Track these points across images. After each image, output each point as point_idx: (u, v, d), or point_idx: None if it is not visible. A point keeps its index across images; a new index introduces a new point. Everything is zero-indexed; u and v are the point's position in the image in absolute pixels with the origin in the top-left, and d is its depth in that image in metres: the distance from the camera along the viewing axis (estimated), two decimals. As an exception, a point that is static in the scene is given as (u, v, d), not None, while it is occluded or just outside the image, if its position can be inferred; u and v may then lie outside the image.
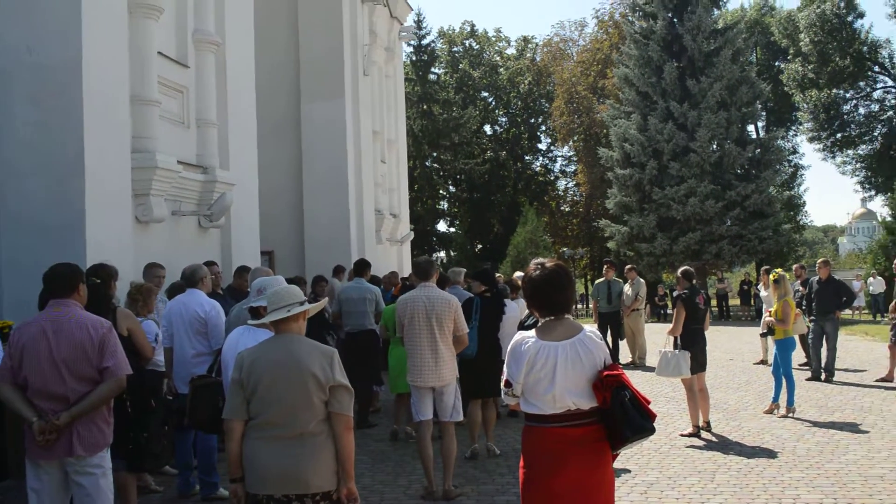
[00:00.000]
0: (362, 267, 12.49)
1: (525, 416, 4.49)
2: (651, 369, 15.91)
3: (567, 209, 56.29)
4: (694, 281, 10.99)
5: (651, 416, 4.39)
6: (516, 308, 11.42)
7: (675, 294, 11.53)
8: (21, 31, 9.51)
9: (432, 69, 51.25)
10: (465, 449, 9.34)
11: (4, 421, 7.12)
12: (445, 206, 55.74)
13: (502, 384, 4.50)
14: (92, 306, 5.77)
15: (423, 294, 8.05)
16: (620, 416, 4.27)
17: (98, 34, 9.71)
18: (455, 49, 57.98)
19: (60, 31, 9.46)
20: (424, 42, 49.26)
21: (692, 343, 10.56)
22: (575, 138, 51.00)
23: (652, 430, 4.40)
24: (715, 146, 35.79)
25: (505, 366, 4.52)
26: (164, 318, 8.48)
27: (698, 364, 10.62)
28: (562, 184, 58.35)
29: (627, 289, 17.90)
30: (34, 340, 5.29)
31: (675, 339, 10.60)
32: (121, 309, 6.98)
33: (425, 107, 47.80)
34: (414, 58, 48.51)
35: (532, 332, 4.48)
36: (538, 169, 57.86)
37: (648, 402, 4.42)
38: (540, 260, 4.66)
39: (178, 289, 8.95)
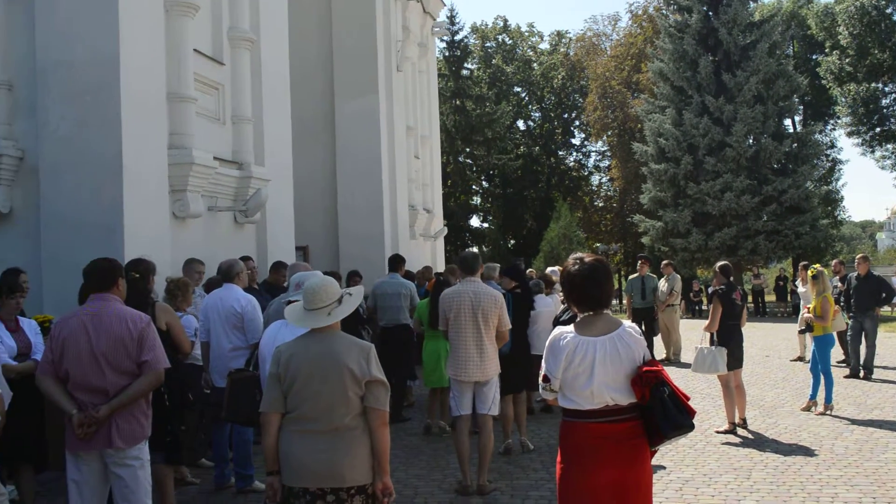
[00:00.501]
0: (397, 262, 12.54)
1: (563, 411, 4.48)
2: (686, 365, 15.80)
3: (601, 204, 56.03)
4: (731, 277, 10.91)
5: (690, 413, 4.37)
6: (551, 303, 11.42)
7: (710, 290, 11.46)
8: (59, 29, 9.64)
9: (465, 64, 51.08)
10: (498, 444, 9.35)
11: (44, 414, 7.22)
12: (479, 201, 55.64)
13: (540, 379, 4.50)
14: (131, 301, 5.85)
15: (470, 289, 8.04)
16: (660, 412, 4.26)
17: (135, 32, 9.80)
18: (488, 44, 57.87)
19: (98, 28, 9.55)
20: (457, 37, 49.09)
21: (729, 339, 10.49)
22: (609, 133, 50.75)
23: (691, 427, 4.38)
24: (751, 141, 35.43)
25: (543, 360, 4.51)
26: (201, 313, 8.55)
27: (735, 360, 10.55)
28: (595, 179, 58.16)
29: (662, 284, 17.80)
30: (74, 334, 5.37)
31: (712, 335, 10.54)
32: (160, 303, 7.06)
33: (458, 102, 47.72)
34: (447, 53, 48.43)
35: (571, 328, 4.47)
36: (572, 164, 57.64)
37: (688, 399, 4.40)
38: (579, 255, 4.65)
39: (215, 284, 9.04)
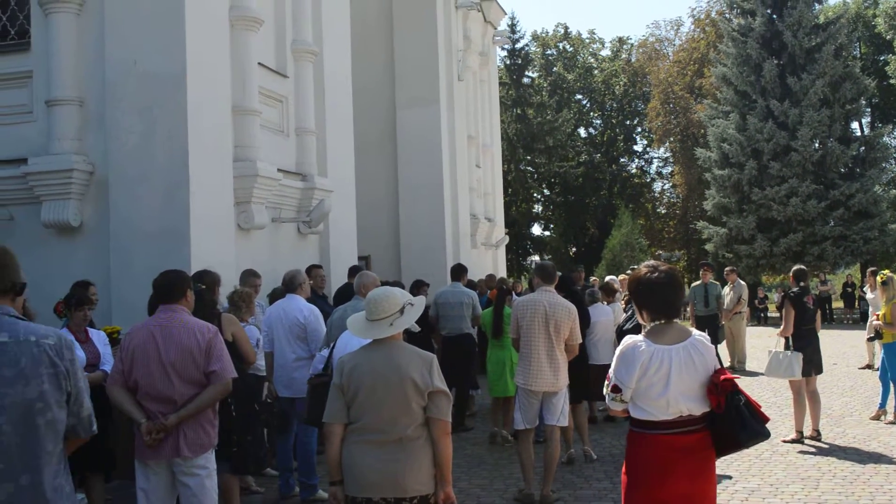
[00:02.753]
0: (459, 271, 12.55)
1: (632, 421, 4.42)
2: (750, 374, 15.63)
3: (663, 211, 55.50)
4: (803, 282, 10.74)
5: (765, 421, 4.34)
6: (610, 312, 11.35)
7: (779, 295, 11.30)
8: (128, 45, 9.85)
9: (526, 73, 51.04)
10: (561, 454, 9.31)
11: (112, 424, 7.38)
12: (540, 209, 55.48)
13: (609, 389, 4.43)
14: (198, 312, 5.96)
15: (545, 298, 8.01)
16: (737, 421, 4.22)
17: (201, 47, 9.98)
18: (549, 52, 57.66)
19: (165, 44, 9.76)
20: (518, 46, 49.07)
21: (806, 344, 10.29)
22: (671, 139, 50.27)
23: (767, 435, 4.35)
24: (817, 145, 34.83)
25: (612, 370, 4.45)
26: (265, 323, 8.67)
27: (814, 366, 10.36)
28: (658, 186, 57.59)
29: (727, 292, 17.58)
30: (144, 344, 5.49)
31: (787, 339, 10.37)
32: (225, 314, 7.17)
33: (519, 110, 47.67)
34: (508, 62, 48.39)
35: (642, 336, 4.43)
36: (634, 171, 57.14)
37: (760, 407, 4.36)
38: (652, 262, 4.62)
39: (279, 294, 9.16)
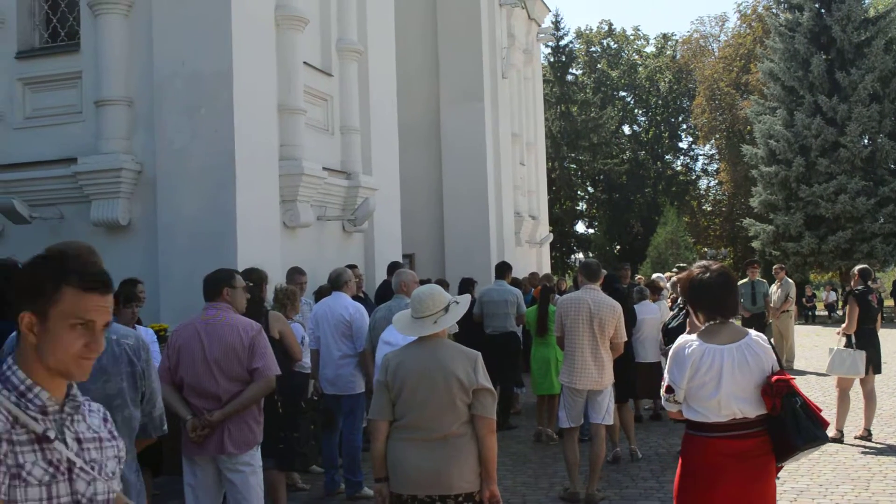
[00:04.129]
0: (503, 269, 12.52)
1: (687, 423, 4.36)
2: (798, 372, 15.44)
3: (709, 209, 54.96)
4: (869, 281, 10.60)
5: (824, 425, 4.19)
6: (656, 310, 11.27)
7: (845, 291, 11.17)
8: (176, 45, 9.95)
9: (570, 70, 50.83)
10: (606, 453, 9.27)
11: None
12: (584, 207, 55.22)
13: (663, 390, 4.39)
14: (245, 309, 6.01)
15: (589, 297, 7.95)
16: (792, 424, 4.09)
17: (247, 46, 10.06)
18: (593, 49, 57.36)
19: (212, 44, 9.86)
20: (562, 43, 48.84)
21: (867, 343, 10.18)
22: (717, 136, 49.74)
23: (825, 440, 4.21)
24: (866, 141, 34.29)
25: (666, 371, 4.41)
26: (311, 321, 8.72)
27: (872, 364, 10.24)
28: (703, 183, 57.06)
29: (775, 290, 17.37)
30: (189, 342, 5.56)
31: (849, 337, 10.24)
32: (273, 312, 7.22)
33: (563, 108, 47.46)
34: (552, 59, 48.20)
35: (695, 336, 4.37)
36: (679, 168, 56.69)
37: (820, 410, 4.23)
38: (704, 263, 4.56)
39: (325, 292, 9.21)
